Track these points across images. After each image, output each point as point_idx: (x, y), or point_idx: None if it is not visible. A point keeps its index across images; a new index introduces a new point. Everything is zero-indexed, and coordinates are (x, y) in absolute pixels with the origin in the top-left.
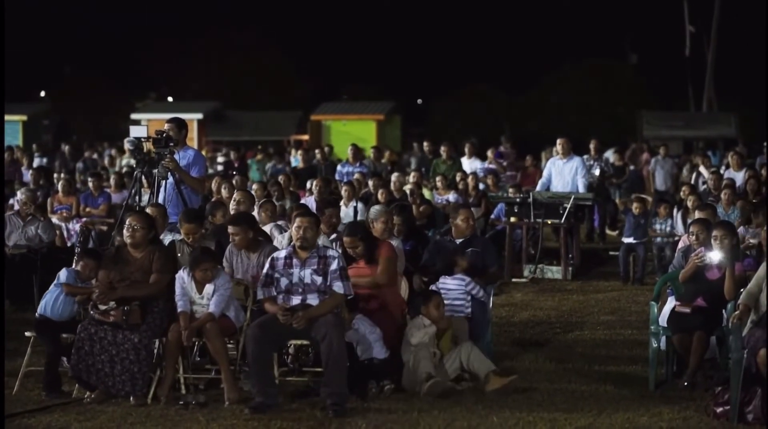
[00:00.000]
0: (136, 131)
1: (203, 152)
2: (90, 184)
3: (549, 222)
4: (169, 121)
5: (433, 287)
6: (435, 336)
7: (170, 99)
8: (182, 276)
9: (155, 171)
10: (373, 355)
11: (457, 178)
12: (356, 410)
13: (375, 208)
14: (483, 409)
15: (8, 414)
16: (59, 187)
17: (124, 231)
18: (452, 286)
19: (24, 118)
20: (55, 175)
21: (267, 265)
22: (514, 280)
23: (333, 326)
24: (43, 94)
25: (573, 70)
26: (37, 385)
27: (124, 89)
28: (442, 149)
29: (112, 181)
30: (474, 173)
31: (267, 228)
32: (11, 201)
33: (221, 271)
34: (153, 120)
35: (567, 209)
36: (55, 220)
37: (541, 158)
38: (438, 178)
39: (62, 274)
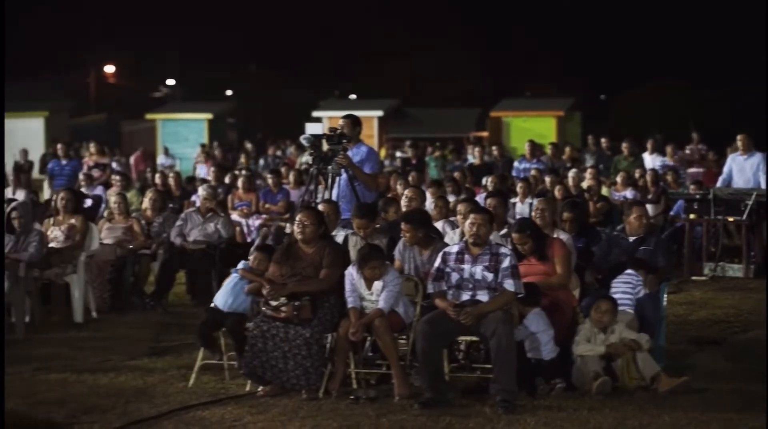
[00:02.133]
0: (312, 128)
1: (383, 149)
2: (269, 181)
3: (730, 219)
4: (344, 117)
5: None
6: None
7: (353, 96)
8: (351, 272)
9: (329, 167)
10: (542, 356)
11: (636, 175)
12: (525, 407)
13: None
14: (655, 408)
15: (184, 405)
16: (239, 184)
17: (295, 227)
18: (620, 285)
19: (209, 116)
20: (236, 172)
21: (439, 260)
22: (693, 278)
23: (502, 323)
24: (229, 92)
25: None
26: (213, 378)
27: (308, 87)
28: (624, 146)
29: (291, 178)
30: (654, 170)
31: (439, 224)
32: (193, 198)
33: (390, 268)
34: (334, 117)
35: (749, 206)
36: (234, 216)
37: (726, 154)
38: (619, 175)
39: (239, 267)
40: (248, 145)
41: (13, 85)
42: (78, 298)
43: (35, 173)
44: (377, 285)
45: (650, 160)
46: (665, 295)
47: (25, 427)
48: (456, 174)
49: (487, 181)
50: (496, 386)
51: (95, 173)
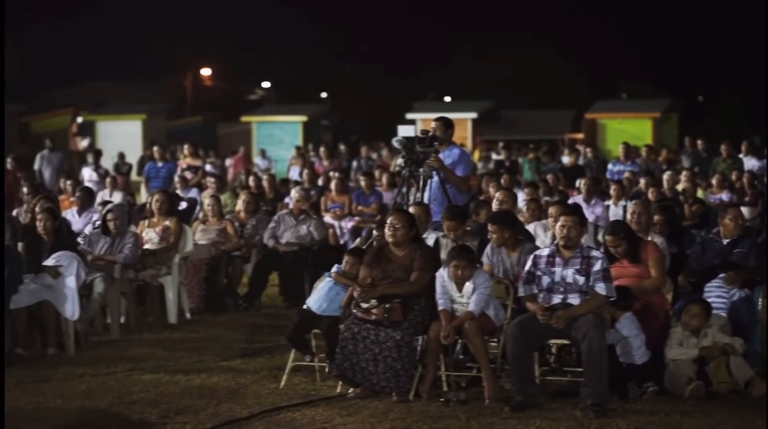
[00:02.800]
0: (404, 131)
1: (476, 151)
2: (362, 183)
3: None
4: (436, 120)
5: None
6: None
7: (447, 98)
8: (442, 274)
9: (421, 170)
10: (634, 360)
11: (733, 178)
12: (617, 411)
13: None
14: (748, 413)
15: (275, 407)
16: (332, 186)
17: (386, 229)
18: (713, 288)
19: (304, 118)
20: (330, 174)
21: (529, 263)
22: None
23: (593, 326)
24: (324, 94)
25: None
26: (304, 380)
27: (403, 89)
28: (722, 148)
29: (384, 180)
30: (751, 172)
31: (530, 227)
32: (286, 200)
33: (481, 270)
34: (428, 119)
35: None
36: (327, 218)
37: None
38: (714, 177)
39: (333, 270)
40: (341, 147)
41: (112, 88)
42: (172, 299)
43: (133, 175)
44: (468, 287)
45: (745, 162)
46: (760, 300)
47: (119, 426)
48: (549, 176)
49: (580, 183)
50: (587, 390)
51: (188, 175)
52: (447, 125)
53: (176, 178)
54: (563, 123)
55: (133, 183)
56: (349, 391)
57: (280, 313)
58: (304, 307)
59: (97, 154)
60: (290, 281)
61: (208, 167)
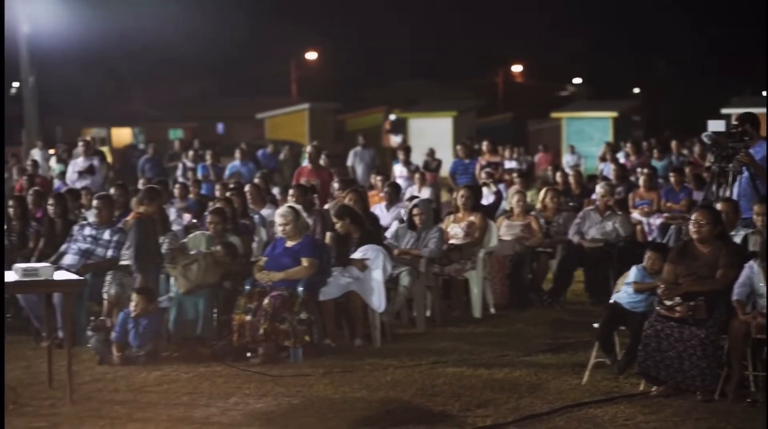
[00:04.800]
0: (714, 126)
1: None
2: (671, 180)
3: None
4: (743, 115)
5: None
6: None
7: (765, 93)
8: (752, 265)
9: (730, 165)
10: None
11: None
12: None
13: None
14: None
15: (576, 402)
16: (641, 182)
17: (690, 226)
18: None
19: (615, 114)
20: (638, 171)
21: None
22: None
23: None
24: (636, 90)
25: None
26: (606, 376)
27: (718, 85)
28: None
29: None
30: None
31: None
32: (593, 196)
33: None
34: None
35: None
36: (635, 215)
37: None
38: None
39: (632, 272)
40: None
41: (424, 86)
42: (477, 294)
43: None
44: None
45: None
46: None
47: (421, 417)
48: None
49: None
50: None
51: (483, 173)
52: (755, 121)
53: (482, 174)
54: None
55: (443, 179)
56: (652, 389)
57: (585, 310)
58: (611, 302)
59: (407, 150)
60: (595, 278)
61: (510, 164)
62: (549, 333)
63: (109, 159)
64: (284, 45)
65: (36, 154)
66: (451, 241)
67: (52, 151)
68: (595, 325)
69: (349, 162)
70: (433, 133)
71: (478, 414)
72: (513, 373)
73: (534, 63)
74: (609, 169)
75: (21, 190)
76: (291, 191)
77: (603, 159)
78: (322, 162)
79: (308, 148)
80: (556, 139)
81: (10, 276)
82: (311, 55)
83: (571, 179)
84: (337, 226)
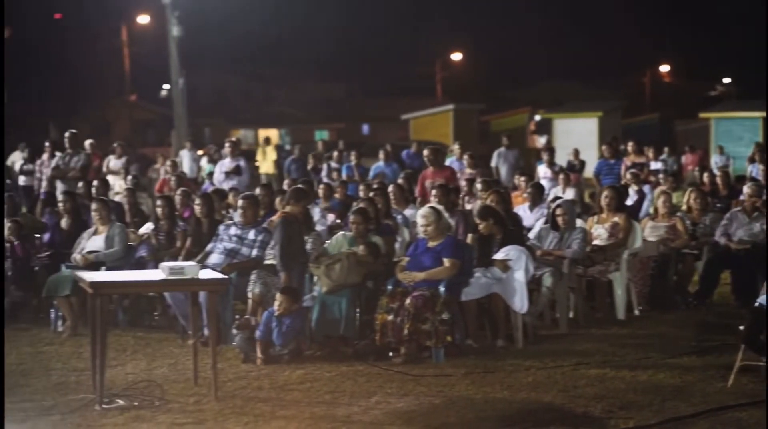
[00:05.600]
0: None
1: None
2: None
3: None
4: None
5: None
6: None
7: None
8: None
9: None
10: None
11: None
12: None
13: None
14: None
15: (721, 405)
16: None
17: None
18: None
19: (765, 114)
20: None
21: None
22: None
23: None
24: None
25: None
26: (752, 380)
27: None
28: None
29: None
30: None
31: None
32: (740, 197)
33: None
34: None
35: None
36: None
37: None
38: None
39: None
40: None
41: (570, 87)
42: (620, 295)
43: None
44: None
45: None
46: None
47: (562, 418)
48: None
49: None
50: None
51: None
52: None
53: (628, 176)
54: None
55: (587, 180)
56: None
57: (731, 312)
58: (756, 304)
59: (551, 151)
60: (742, 280)
61: (656, 165)
62: (694, 335)
63: (273, 156)
64: (430, 46)
65: (185, 155)
66: (595, 242)
67: (200, 152)
68: (741, 328)
69: (493, 163)
70: (578, 134)
71: (621, 416)
72: (657, 376)
73: (682, 62)
74: (758, 171)
75: (163, 190)
76: (433, 192)
77: (752, 160)
78: (465, 162)
79: (454, 147)
80: (704, 139)
81: (157, 274)
82: (457, 56)
83: (719, 180)
84: (480, 226)
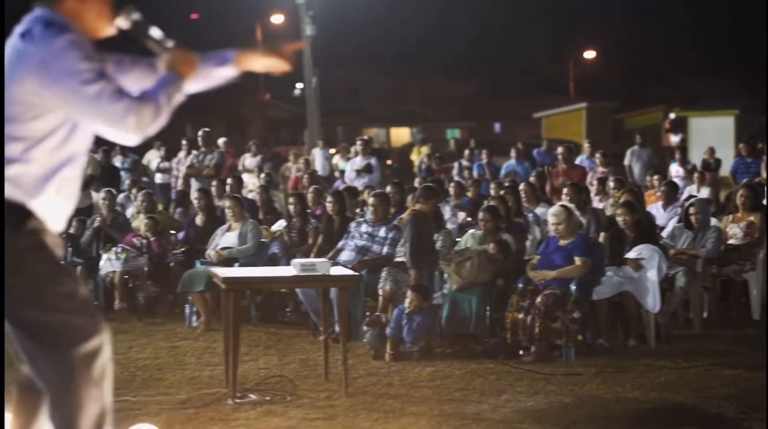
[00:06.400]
0: None
1: None
2: None
3: None
4: None
5: None
6: None
7: None
8: None
9: None
10: None
11: None
12: None
13: None
14: None
15: None
16: None
17: None
18: None
19: None
20: None
21: None
22: None
23: None
24: None
25: None
26: None
27: None
28: None
29: None
30: None
31: None
32: None
33: None
34: None
35: None
36: None
37: None
38: None
39: None
40: None
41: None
42: (756, 295)
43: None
44: None
45: None
46: None
47: (694, 419)
48: None
49: None
50: None
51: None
52: None
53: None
54: None
55: (723, 179)
56: None
57: None
58: None
59: (684, 149)
60: None
61: None
62: None
63: (425, 153)
64: (562, 44)
65: (317, 153)
66: (730, 242)
67: (333, 151)
68: None
69: (626, 161)
70: (714, 132)
71: (755, 418)
72: None
73: None
74: None
75: (296, 187)
76: (565, 190)
77: None
78: (597, 160)
79: (584, 145)
80: None
81: (289, 271)
82: (590, 54)
83: None
84: (622, 219)
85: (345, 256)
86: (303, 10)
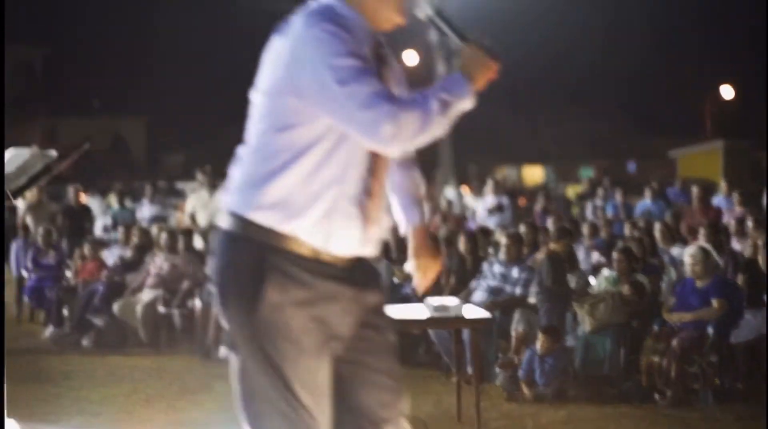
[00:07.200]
0: None
1: None
2: None
3: None
4: None
5: None
6: None
7: None
8: None
9: None
10: None
11: None
12: None
13: None
14: None
15: None
16: None
17: None
18: None
19: None
20: None
21: None
22: None
23: None
24: None
25: None
26: None
27: None
28: None
29: None
30: None
31: None
32: None
33: None
34: None
35: None
36: None
37: None
38: None
39: None
40: None
41: None
42: None
43: None
44: None
45: None
46: None
47: None
48: None
49: None
50: None
51: None
52: None
53: None
54: None
55: None
56: None
57: None
58: None
59: None
60: None
61: None
62: None
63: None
64: (697, 81)
65: (449, 192)
66: None
67: (465, 190)
68: None
69: (765, 200)
70: None
71: None
72: None
73: None
74: None
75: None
76: (701, 231)
77: None
78: (734, 200)
79: (721, 184)
80: None
81: (421, 311)
82: (726, 90)
83: None
84: None
85: (477, 296)
86: (435, 48)
